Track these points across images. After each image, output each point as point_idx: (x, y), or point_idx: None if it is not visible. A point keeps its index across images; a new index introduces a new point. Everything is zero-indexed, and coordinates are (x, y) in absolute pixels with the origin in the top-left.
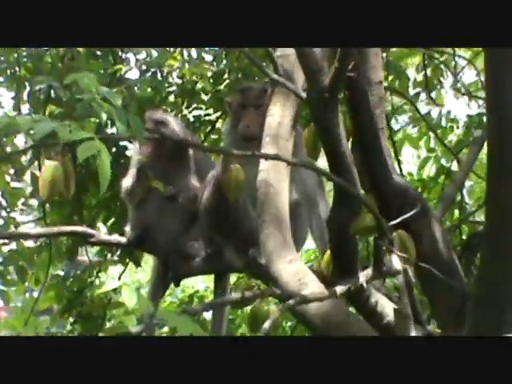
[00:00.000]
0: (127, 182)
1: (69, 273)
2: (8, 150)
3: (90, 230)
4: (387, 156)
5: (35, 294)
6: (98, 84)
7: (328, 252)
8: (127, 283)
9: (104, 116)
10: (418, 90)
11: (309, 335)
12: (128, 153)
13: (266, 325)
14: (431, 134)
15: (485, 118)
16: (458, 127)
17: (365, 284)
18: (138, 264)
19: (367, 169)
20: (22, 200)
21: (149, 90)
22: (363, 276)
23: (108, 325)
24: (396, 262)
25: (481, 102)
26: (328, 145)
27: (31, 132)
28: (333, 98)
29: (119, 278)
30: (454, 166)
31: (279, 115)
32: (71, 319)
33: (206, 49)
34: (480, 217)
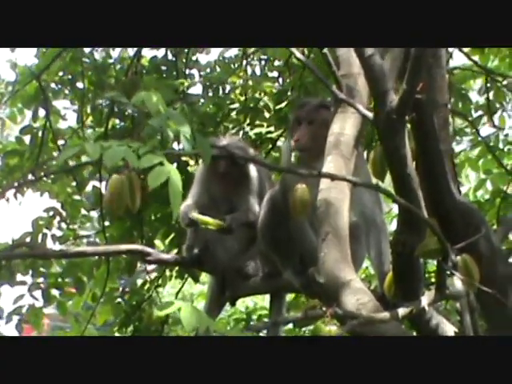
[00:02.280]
0: (184, 208)
1: (126, 285)
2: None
3: (147, 249)
4: (451, 178)
5: None
6: (164, 104)
7: (390, 273)
8: (186, 301)
9: (171, 135)
10: (479, 112)
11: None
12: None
13: None
14: (489, 156)
15: None
16: None
17: (427, 307)
18: (196, 280)
19: (430, 191)
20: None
21: (211, 106)
22: (426, 299)
23: None
24: (459, 285)
25: None
26: (394, 166)
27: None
28: (400, 119)
29: (177, 294)
30: (510, 190)
31: (341, 134)
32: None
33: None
34: None
